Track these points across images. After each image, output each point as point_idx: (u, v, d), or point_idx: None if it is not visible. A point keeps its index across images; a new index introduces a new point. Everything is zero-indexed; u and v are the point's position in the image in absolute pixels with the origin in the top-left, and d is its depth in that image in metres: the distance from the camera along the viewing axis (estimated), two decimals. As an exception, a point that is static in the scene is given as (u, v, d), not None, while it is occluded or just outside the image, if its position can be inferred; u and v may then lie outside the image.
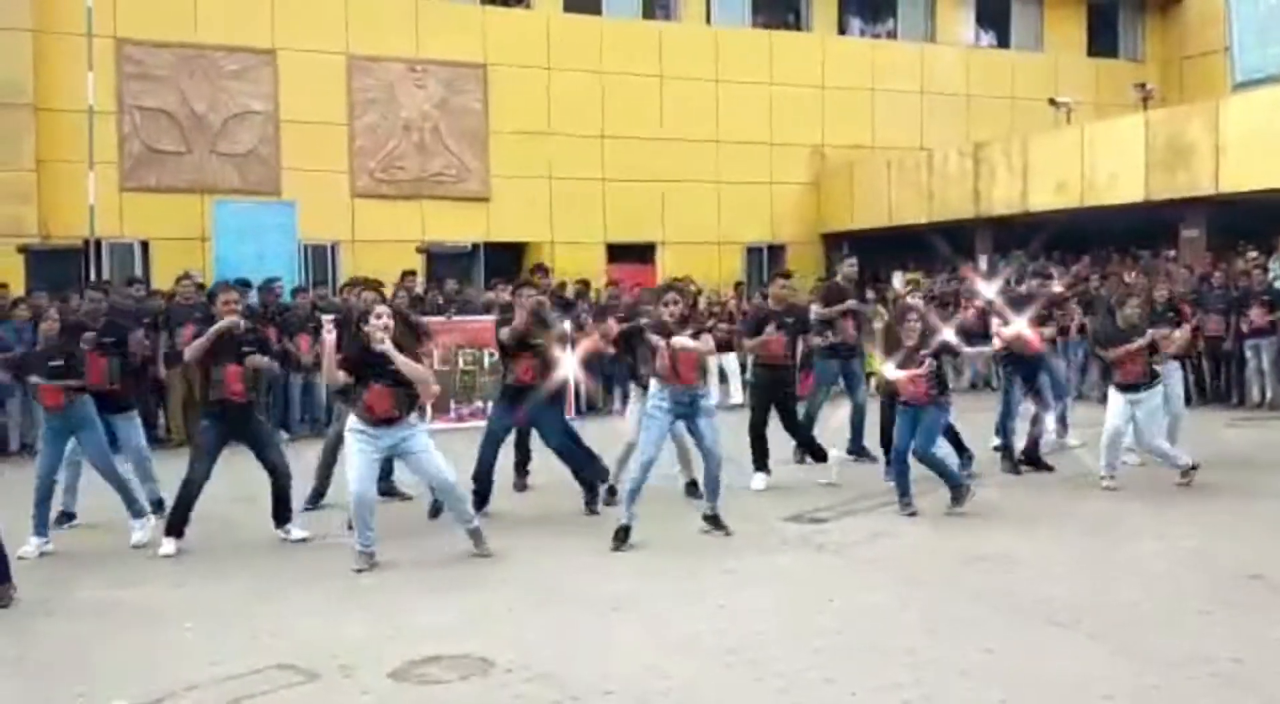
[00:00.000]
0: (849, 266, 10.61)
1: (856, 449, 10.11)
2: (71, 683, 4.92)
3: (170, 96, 17.62)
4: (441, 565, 6.83)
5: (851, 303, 10.22)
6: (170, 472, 10.66)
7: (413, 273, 15.60)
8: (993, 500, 8.37)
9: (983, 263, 19.37)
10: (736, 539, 7.27)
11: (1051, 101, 21.57)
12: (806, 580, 6.36)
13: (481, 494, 7.98)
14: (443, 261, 18.09)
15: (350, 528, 7.79)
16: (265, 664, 5.07)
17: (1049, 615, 5.52)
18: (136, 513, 7.62)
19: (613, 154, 20.15)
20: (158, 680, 4.88)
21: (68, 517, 8.12)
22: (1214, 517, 7.77)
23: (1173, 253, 16.78)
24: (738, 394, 15.52)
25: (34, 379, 7.38)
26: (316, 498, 8.56)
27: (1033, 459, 9.53)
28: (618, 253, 20.18)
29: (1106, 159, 17.17)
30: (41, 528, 7.32)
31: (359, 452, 6.69)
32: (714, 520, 7.37)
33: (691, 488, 8.39)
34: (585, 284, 16.37)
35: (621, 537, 7.07)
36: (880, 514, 8.03)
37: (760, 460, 9.12)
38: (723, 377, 15.50)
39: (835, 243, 21.99)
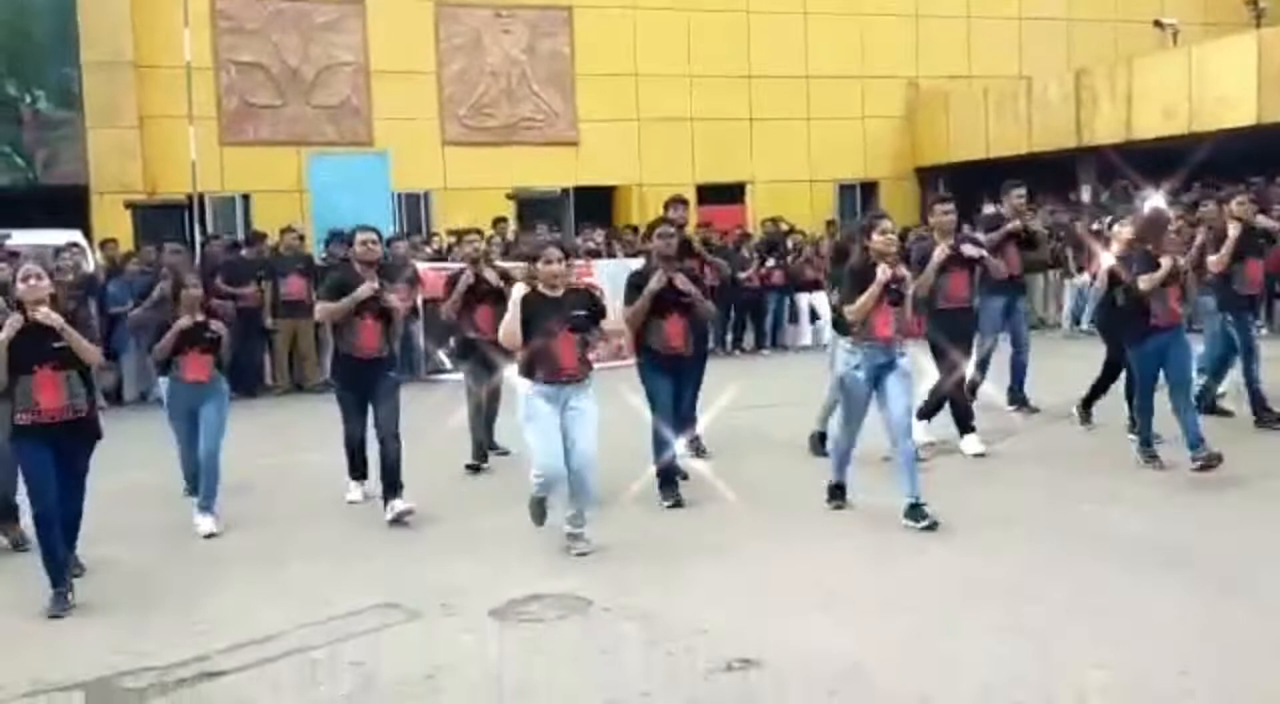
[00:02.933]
0: (1017, 197, 9.01)
1: (1018, 398, 9.22)
2: (189, 620, 5.14)
3: (264, 50, 17.90)
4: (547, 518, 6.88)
5: (1014, 225, 8.80)
6: (276, 416, 10.98)
7: (504, 219, 15.71)
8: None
9: (1085, 194, 18.78)
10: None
11: (1157, 23, 20.66)
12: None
13: (670, 474, 6.93)
14: (533, 207, 18.15)
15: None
16: (369, 604, 5.23)
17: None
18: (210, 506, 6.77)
19: (701, 93, 19.92)
20: (266, 620, 5.07)
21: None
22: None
23: (1287, 179, 16.04)
24: (829, 335, 15.38)
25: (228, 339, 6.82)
26: (481, 458, 8.11)
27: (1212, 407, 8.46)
28: (708, 193, 20.02)
29: (1216, 82, 16.42)
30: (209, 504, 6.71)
31: (539, 417, 5.83)
32: (917, 510, 6.04)
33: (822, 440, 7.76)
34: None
35: (838, 496, 6.57)
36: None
37: (966, 421, 7.96)
38: (814, 316, 15.37)
39: (930, 177, 21.51)
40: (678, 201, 8.08)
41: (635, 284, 6.89)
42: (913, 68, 21.35)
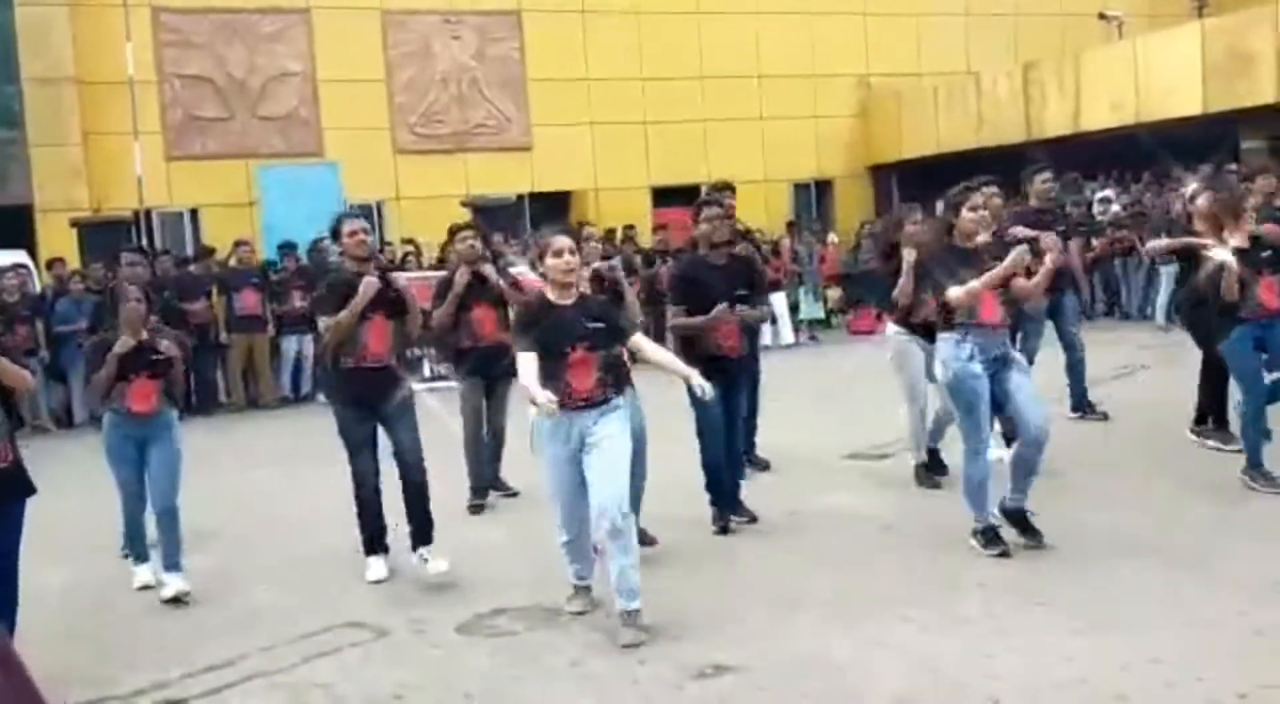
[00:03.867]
0: (1041, 182, 8.07)
1: (1080, 404, 8.21)
2: (148, 647, 5.01)
3: (209, 62, 17.65)
4: (510, 529, 6.81)
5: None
6: (232, 434, 10.78)
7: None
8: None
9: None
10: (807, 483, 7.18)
11: (1101, 16, 20.92)
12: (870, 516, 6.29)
13: (720, 495, 6.17)
14: (488, 214, 18.03)
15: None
16: (336, 623, 5.12)
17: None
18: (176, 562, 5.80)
19: (653, 96, 19.89)
20: (228, 642, 4.95)
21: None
22: None
23: (1235, 166, 16.28)
24: (789, 334, 15.42)
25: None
26: (480, 494, 7.06)
27: None
28: (663, 196, 20.00)
29: (1162, 72, 16.62)
30: (144, 554, 5.94)
31: (552, 459, 4.83)
32: (1020, 520, 5.39)
33: (931, 465, 6.77)
34: (631, 229, 16.27)
35: (995, 539, 5.36)
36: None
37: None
38: (772, 318, 15.36)
39: (884, 175, 21.64)
40: (725, 187, 7.20)
41: (686, 277, 6.01)
42: (863, 66, 21.46)
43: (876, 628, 4.60)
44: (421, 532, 5.67)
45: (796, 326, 15.70)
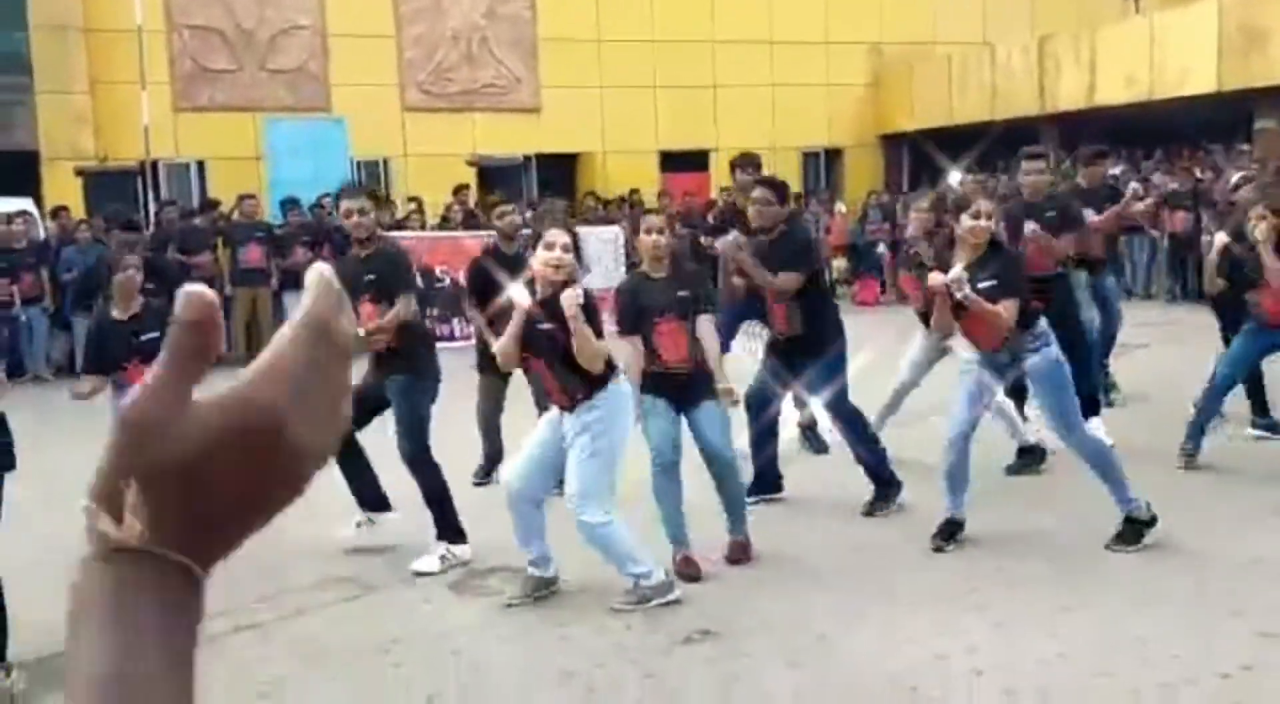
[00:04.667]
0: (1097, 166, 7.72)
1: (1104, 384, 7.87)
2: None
3: (217, 12, 17.52)
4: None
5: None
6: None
7: (465, 187, 15.54)
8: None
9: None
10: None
11: (1119, -10, 20.71)
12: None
13: (766, 480, 6.09)
14: (494, 175, 17.98)
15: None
16: (329, 577, 5.17)
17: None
18: None
19: (664, 60, 19.73)
20: (216, 595, 4.93)
21: None
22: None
23: (1246, 146, 16.17)
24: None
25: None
26: (489, 468, 6.74)
27: None
28: (671, 161, 19.91)
29: (1177, 49, 16.47)
30: None
31: (537, 429, 4.76)
32: (1134, 528, 5.00)
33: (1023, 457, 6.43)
34: (635, 194, 16.23)
35: (948, 534, 5.21)
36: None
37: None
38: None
39: (894, 145, 21.51)
40: (748, 162, 6.58)
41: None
42: (877, 34, 21.25)
43: (859, 600, 4.63)
44: (438, 526, 5.26)
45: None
